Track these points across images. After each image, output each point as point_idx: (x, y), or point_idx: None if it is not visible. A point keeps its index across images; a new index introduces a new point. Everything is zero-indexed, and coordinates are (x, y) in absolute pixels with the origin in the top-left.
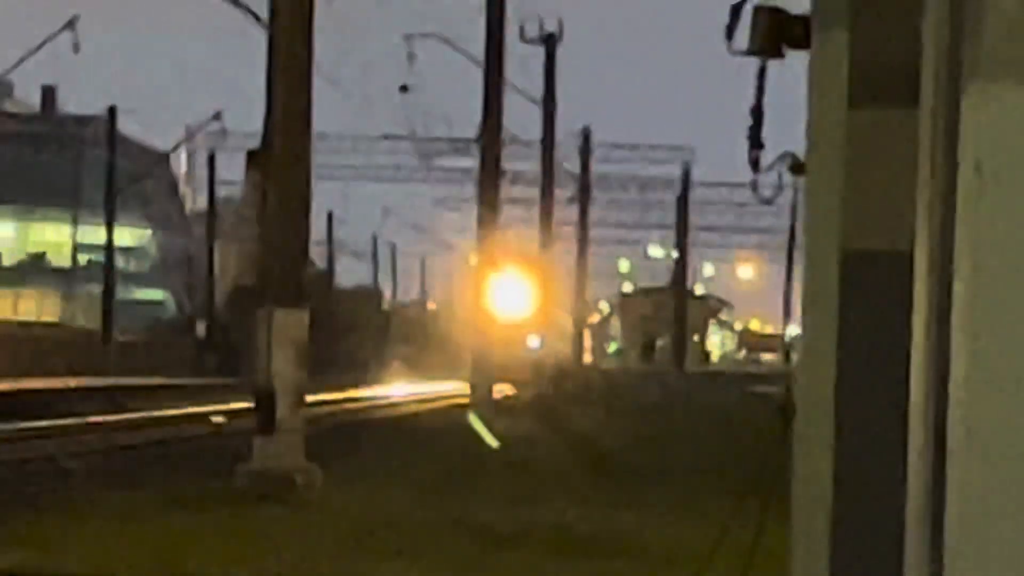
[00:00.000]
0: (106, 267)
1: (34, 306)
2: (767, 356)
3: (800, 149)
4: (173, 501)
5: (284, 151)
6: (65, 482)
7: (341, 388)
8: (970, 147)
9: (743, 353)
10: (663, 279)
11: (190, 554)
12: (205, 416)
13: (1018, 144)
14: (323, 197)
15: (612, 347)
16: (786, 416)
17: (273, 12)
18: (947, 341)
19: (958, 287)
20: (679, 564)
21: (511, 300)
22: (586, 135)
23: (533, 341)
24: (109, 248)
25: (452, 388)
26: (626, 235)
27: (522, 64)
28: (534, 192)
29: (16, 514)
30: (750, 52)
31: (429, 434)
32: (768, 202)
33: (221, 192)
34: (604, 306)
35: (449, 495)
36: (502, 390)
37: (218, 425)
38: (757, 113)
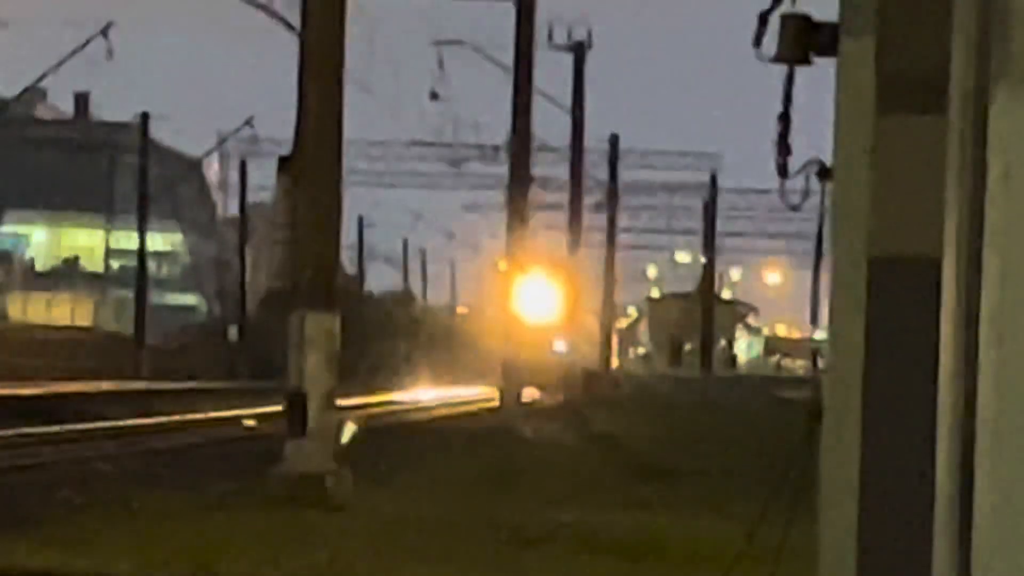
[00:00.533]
0: (138, 272)
1: (67, 311)
2: (794, 361)
3: (827, 155)
4: (205, 504)
5: (315, 157)
6: (98, 485)
7: (372, 392)
8: (998, 153)
9: (775, 358)
10: (690, 284)
11: (222, 556)
12: (237, 419)
13: None
14: (354, 203)
15: (640, 351)
16: (813, 419)
17: (305, 19)
18: (975, 346)
19: (986, 292)
20: (706, 564)
21: (538, 304)
22: (614, 142)
23: (560, 345)
24: (141, 253)
25: (481, 392)
26: (654, 240)
27: (551, 71)
28: (563, 198)
29: (51, 515)
30: (778, 59)
31: (459, 437)
32: (796, 208)
33: (252, 198)
34: (632, 311)
35: (479, 497)
36: (531, 394)
37: (250, 428)
38: (785, 119)
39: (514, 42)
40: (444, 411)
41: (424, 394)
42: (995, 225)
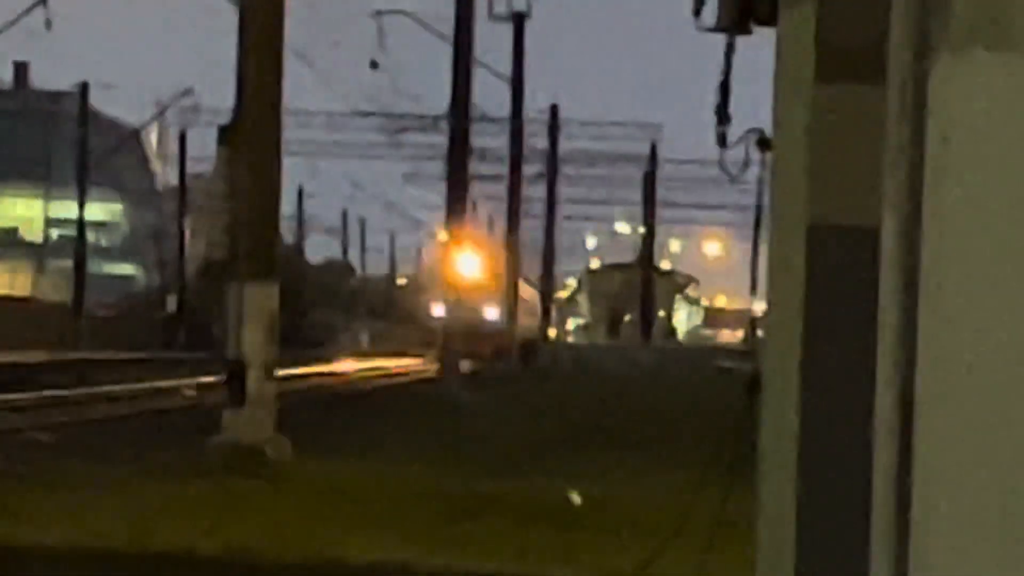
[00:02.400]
0: (77, 242)
1: (6, 280)
2: (733, 332)
3: (767, 125)
4: (144, 474)
5: (255, 127)
6: (35, 455)
7: (311, 362)
8: (938, 120)
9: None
10: (630, 255)
11: (161, 526)
12: (176, 389)
13: (986, 115)
14: (293, 173)
15: (577, 322)
16: (752, 389)
17: None
18: (914, 314)
19: (925, 260)
20: (646, 534)
21: (474, 275)
22: (554, 112)
23: (492, 313)
24: (80, 223)
25: (421, 362)
26: (593, 211)
27: (492, 42)
28: (503, 169)
29: None
30: (718, 28)
31: (398, 407)
32: (735, 178)
33: (192, 168)
34: (571, 281)
35: (417, 467)
36: (469, 364)
37: (189, 398)
38: (724, 89)
39: (454, 12)
40: (384, 381)
41: (363, 364)
42: (934, 192)
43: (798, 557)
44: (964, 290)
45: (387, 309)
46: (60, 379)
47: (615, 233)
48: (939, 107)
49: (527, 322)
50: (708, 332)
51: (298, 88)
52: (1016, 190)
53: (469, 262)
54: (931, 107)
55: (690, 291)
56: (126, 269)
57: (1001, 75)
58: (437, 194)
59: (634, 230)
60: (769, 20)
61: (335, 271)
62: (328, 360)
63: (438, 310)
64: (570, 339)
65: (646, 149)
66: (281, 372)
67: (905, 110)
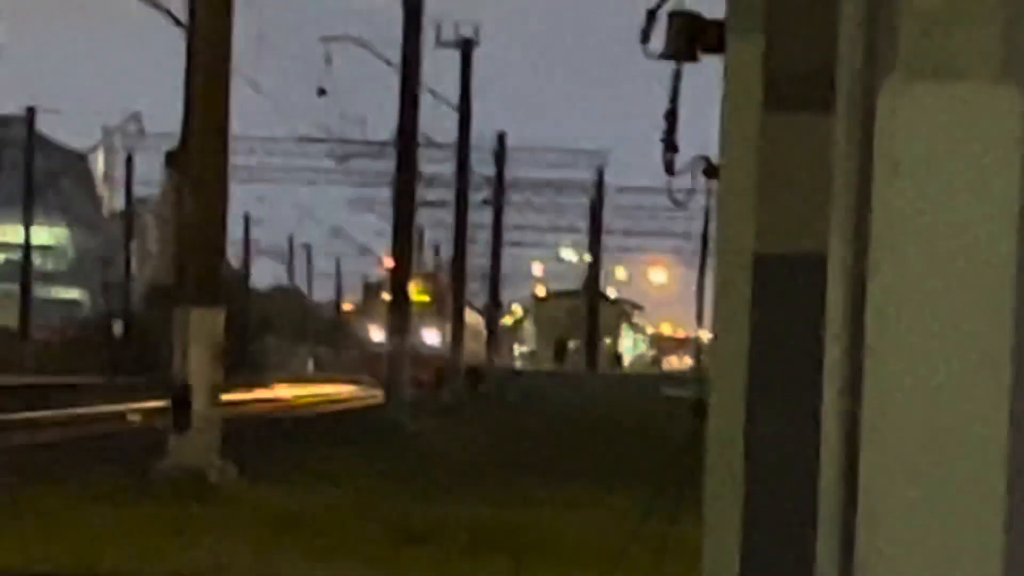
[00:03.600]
0: (23, 266)
1: None
2: (677, 361)
3: (714, 153)
4: (89, 498)
5: (201, 152)
6: None
7: (257, 387)
8: (886, 146)
9: (654, 355)
10: (576, 282)
11: (107, 550)
12: (121, 414)
13: (935, 140)
14: (240, 198)
15: (524, 349)
16: (698, 415)
17: (192, 13)
18: (860, 340)
19: (873, 286)
20: (593, 559)
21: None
22: (501, 139)
23: (432, 338)
24: (27, 247)
25: (366, 388)
26: (540, 238)
27: (439, 68)
28: (449, 194)
29: None
30: (665, 55)
31: (345, 432)
32: (681, 205)
33: (139, 192)
34: (517, 308)
35: (364, 492)
36: (415, 389)
37: (134, 423)
38: (672, 117)
39: (402, 38)
40: (330, 406)
41: (309, 390)
42: (882, 220)
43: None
44: (910, 318)
45: (334, 335)
46: (5, 403)
47: (561, 260)
48: (887, 135)
49: (473, 348)
50: (653, 359)
51: (245, 113)
52: (963, 216)
53: (411, 290)
54: (878, 135)
55: (636, 318)
56: (72, 293)
57: (948, 103)
58: (384, 220)
59: (580, 257)
60: (717, 47)
61: (281, 297)
62: (274, 385)
63: (377, 335)
64: (516, 365)
65: (593, 176)
66: (227, 397)
67: (852, 138)
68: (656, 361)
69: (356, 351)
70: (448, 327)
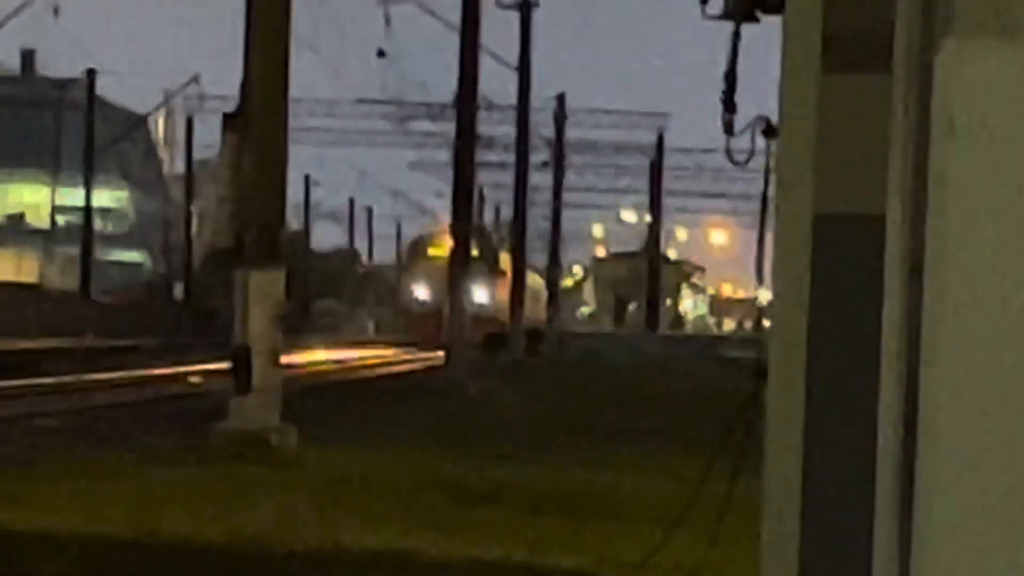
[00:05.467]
0: (84, 228)
1: (12, 267)
2: (738, 322)
3: (773, 113)
4: (150, 460)
5: (261, 114)
6: (42, 441)
7: (317, 349)
8: (942, 106)
9: (714, 316)
10: (636, 244)
11: (166, 512)
12: (182, 376)
13: (991, 100)
14: (300, 161)
15: (585, 311)
16: (758, 378)
17: None
18: (918, 302)
19: (930, 248)
20: (654, 521)
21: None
22: (561, 100)
23: (480, 295)
24: (87, 210)
25: (424, 350)
26: (600, 200)
27: (499, 29)
28: (509, 157)
29: None
30: (724, 16)
31: (405, 395)
32: (741, 165)
33: (199, 155)
34: (578, 270)
35: (424, 455)
36: (473, 351)
37: (195, 385)
38: (730, 77)
39: (461, 0)
40: (390, 368)
41: (370, 351)
42: (938, 179)
43: (802, 544)
44: (968, 278)
45: (393, 297)
46: (67, 366)
47: (621, 221)
48: (943, 95)
49: (533, 309)
50: (714, 320)
51: (305, 76)
52: (1020, 177)
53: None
54: (935, 95)
55: (696, 279)
56: (133, 256)
57: (1005, 62)
58: (444, 182)
59: (640, 219)
60: (776, 8)
61: (342, 259)
62: (334, 347)
63: (421, 294)
64: (577, 327)
65: (653, 138)
66: (287, 359)
67: (909, 97)
68: (717, 322)
69: (400, 311)
70: (496, 284)
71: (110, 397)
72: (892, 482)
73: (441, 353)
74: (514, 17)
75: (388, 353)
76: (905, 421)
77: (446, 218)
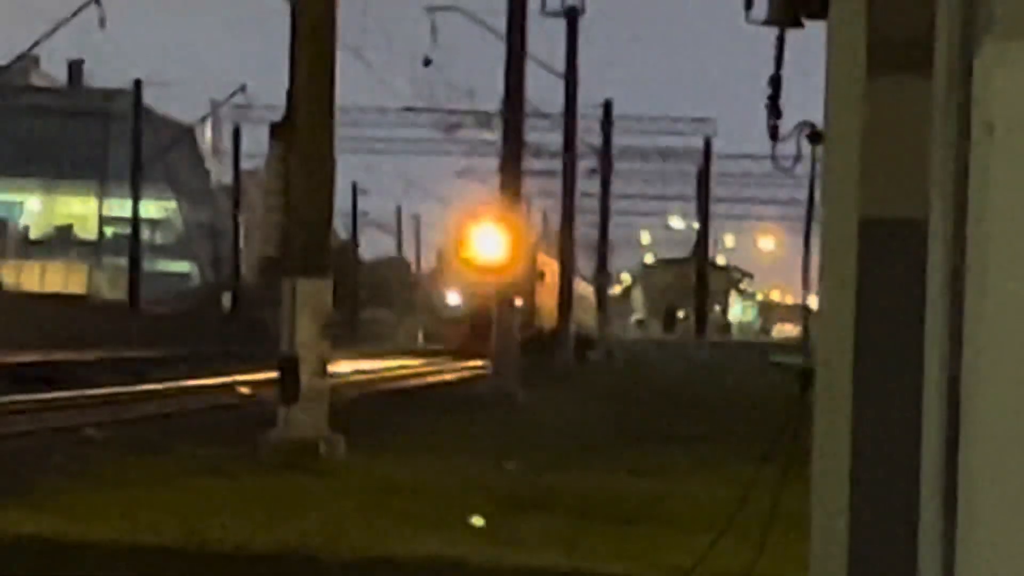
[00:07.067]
0: (132, 239)
1: (61, 278)
2: (786, 327)
3: (818, 119)
4: (198, 469)
5: (307, 123)
6: (91, 451)
7: (365, 357)
8: (982, 109)
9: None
10: (684, 250)
11: (214, 521)
12: (231, 386)
13: None
14: (346, 169)
15: (634, 317)
16: (805, 385)
17: None
18: (961, 304)
19: (972, 250)
20: (700, 528)
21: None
22: (607, 107)
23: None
24: (135, 220)
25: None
26: (647, 207)
27: (545, 37)
28: (556, 164)
29: (44, 482)
30: (769, 22)
31: (453, 402)
32: (787, 171)
33: (246, 165)
34: (626, 277)
35: (472, 462)
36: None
37: (243, 395)
38: (776, 82)
39: (507, 7)
40: (438, 376)
41: (418, 359)
42: (978, 180)
43: (851, 553)
44: (1009, 280)
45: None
46: (115, 376)
47: (669, 228)
48: (983, 97)
49: (582, 317)
50: (762, 327)
51: (351, 85)
52: None
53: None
54: (975, 97)
55: (744, 286)
56: (181, 266)
57: None
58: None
59: (688, 225)
60: (820, 13)
61: (390, 267)
62: (382, 355)
63: (453, 299)
64: (626, 334)
65: (699, 144)
66: (335, 368)
67: (951, 101)
68: (765, 329)
69: (433, 317)
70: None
71: (159, 407)
72: (936, 488)
73: (480, 362)
74: (561, 25)
75: (436, 361)
76: (949, 426)
77: None
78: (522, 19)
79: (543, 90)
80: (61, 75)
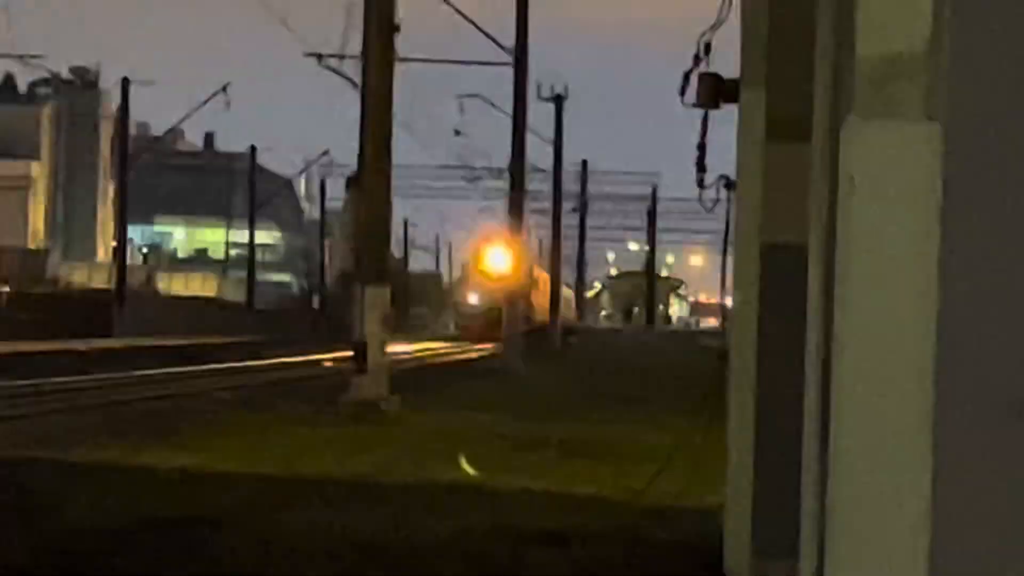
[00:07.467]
0: (249, 258)
1: (198, 285)
2: (710, 320)
3: (732, 172)
4: (294, 421)
5: (371, 177)
6: (219, 408)
7: (412, 342)
8: (845, 167)
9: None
10: (638, 265)
11: (303, 458)
12: (318, 362)
13: (877, 164)
14: (399, 209)
15: (602, 313)
16: (722, 360)
17: (365, 79)
18: (830, 305)
19: (838, 267)
20: (649, 461)
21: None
22: (584, 165)
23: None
24: (251, 245)
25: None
26: (612, 235)
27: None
28: (547, 204)
29: (186, 429)
30: (696, 105)
31: (473, 374)
32: (710, 210)
33: (329, 206)
34: (597, 284)
35: (487, 415)
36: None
37: (327, 368)
38: (701, 147)
39: (513, 95)
40: (462, 355)
41: (448, 343)
42: (843, 216)
43: (756, 479)
44: (865, 288)
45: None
46: (236, 355)
47: (628, 250)
48: (846, 158)
49: (566, 313)
50: (693, 319)
51: (403, 148)
52: (900, 219)
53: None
54: (841, 158)
55: (680, 291)
56: (283, 277)
57: (888, 137)
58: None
59: (641, 248)
60: (732, 99)
61: (429, 279)
62: (424, 340)
63: (472, 299)
64: (596, 325)
65: (649, 190)
66: (391, 349)
67: (825, 160)
68: (696, 321)
69: (456, 312)
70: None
71: (267, 377)
72: (814, 431)
73: (492, 345)
74: (550, 106)
75: (461, 345)
76: (822, 388)
77: None
78: (524, 104)
79: (539, 152)
80: (199, 142)
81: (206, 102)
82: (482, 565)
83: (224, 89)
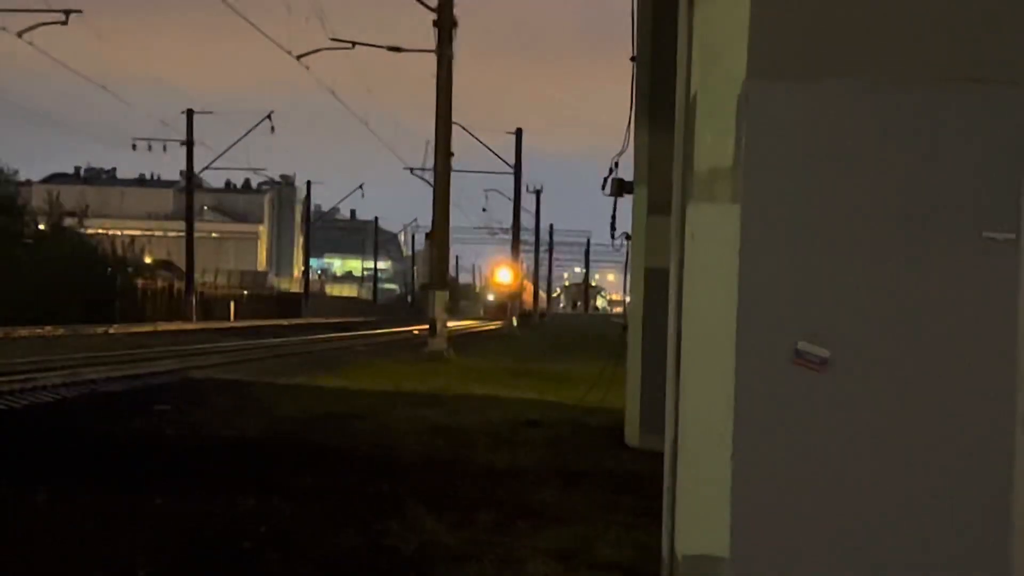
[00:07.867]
0: (374, 275)
1: (348, 291)
2: (619, 309)
3: (629, 229)
4: (398, 361)
5: (439, 232)
6: (357, 354)
7: (459, 320)
8: (687, 229)
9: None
10: (579, 279)
11: (403, 381)
12: (410, 331)
13: (706, 226)
14: (453, 249)
15: (561, 306)
16: (624, 329)
17: (435, 179)
18: (681, 303)
19: (684, 283)
20: (585, 383)
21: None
22: (550, 228)
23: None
24: (375, 269)
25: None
26: (567, 263)
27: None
28: (532, 247)
29: (339, 366)
30: (611, 194)
31: (492, 337)
32: (618, 250)
33: (417, 249)
34: (558, 289)
35: (499, 359)
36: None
37: (415, 334)
38: (613, 217)
39: (513, 190)
40: (487, 328)
41: (478, 321)
42: (687, 256)
43: (642, 394)
44: (696, 293)
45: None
46: (367, 326)
47: (575, 271)
48: (689, 223)
49: (541, 306)
50: (610, 309)
51: (455, 217)
52: (717, 257)
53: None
54: (687, 221)
55: (602, 293)
56: (392, 286)
57: (712, 211)
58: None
59: (581, 270)
60: (631, 190)
61: (468, 287)
62: (466, 320)
63: (490, 297)
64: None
65: (586, 239)
66: (450, 323)
67: (678, 223)
68: (611, 310)
69: (481, 305)
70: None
71: (383, 339)
72: (673, 363)
73: (502, 322)
74: (534, 195)
75: (485, 322)
76: (677, 341)
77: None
78: (519, 193)
79: (528, 218)
80: (346, 214)
81: (349, 194)
82: (497, 436)
83: (360, 187)
